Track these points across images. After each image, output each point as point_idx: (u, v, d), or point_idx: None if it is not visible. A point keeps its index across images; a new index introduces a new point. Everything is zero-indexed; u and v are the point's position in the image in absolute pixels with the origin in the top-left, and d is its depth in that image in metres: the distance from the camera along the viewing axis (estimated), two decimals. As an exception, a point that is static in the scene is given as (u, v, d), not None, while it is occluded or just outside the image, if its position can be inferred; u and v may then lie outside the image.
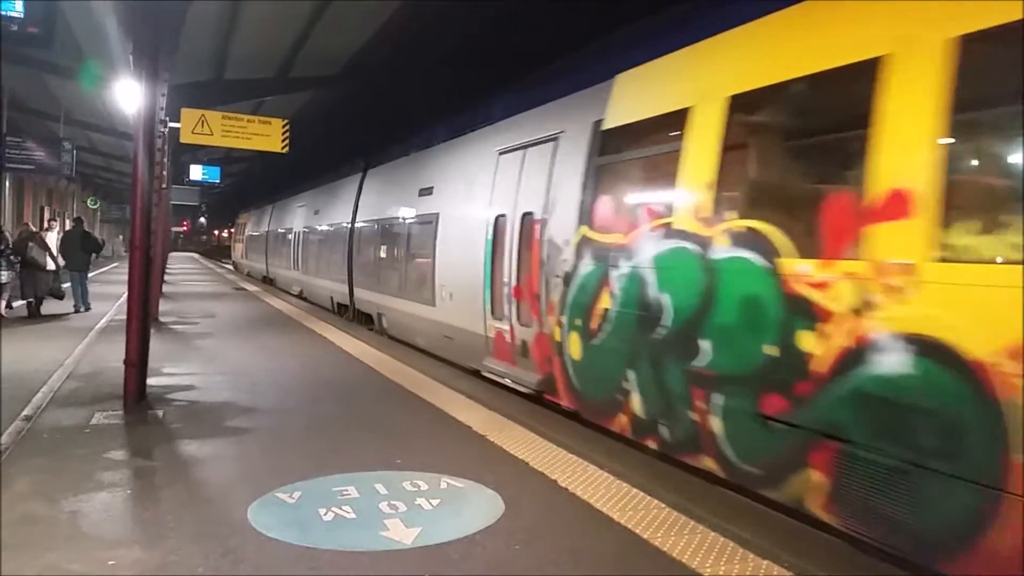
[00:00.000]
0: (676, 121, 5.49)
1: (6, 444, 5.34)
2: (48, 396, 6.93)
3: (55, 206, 33.91)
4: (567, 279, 6.78)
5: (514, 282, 7.90)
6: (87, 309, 14.26)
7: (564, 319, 6.82)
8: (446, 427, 6.24)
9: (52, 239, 14.43)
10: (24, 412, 6.26)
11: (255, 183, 41.39)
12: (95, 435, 5.70)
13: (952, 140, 3.63)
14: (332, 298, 17.49)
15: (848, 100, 4.40)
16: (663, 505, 4.37)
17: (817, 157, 4.92)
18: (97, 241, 16.42)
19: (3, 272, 12.61)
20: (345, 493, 4.48)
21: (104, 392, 7.10)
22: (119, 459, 5.14)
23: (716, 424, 4.96)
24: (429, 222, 10.70)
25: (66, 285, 14.38)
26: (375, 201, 14.51)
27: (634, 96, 6.37)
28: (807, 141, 5.02)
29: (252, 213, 36.12)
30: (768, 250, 4.55)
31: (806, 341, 4.23)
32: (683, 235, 5.32)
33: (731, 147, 5.08)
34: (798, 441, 4.32)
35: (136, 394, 6.72)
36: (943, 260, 3.57)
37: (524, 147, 8.01)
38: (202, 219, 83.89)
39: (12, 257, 12.92)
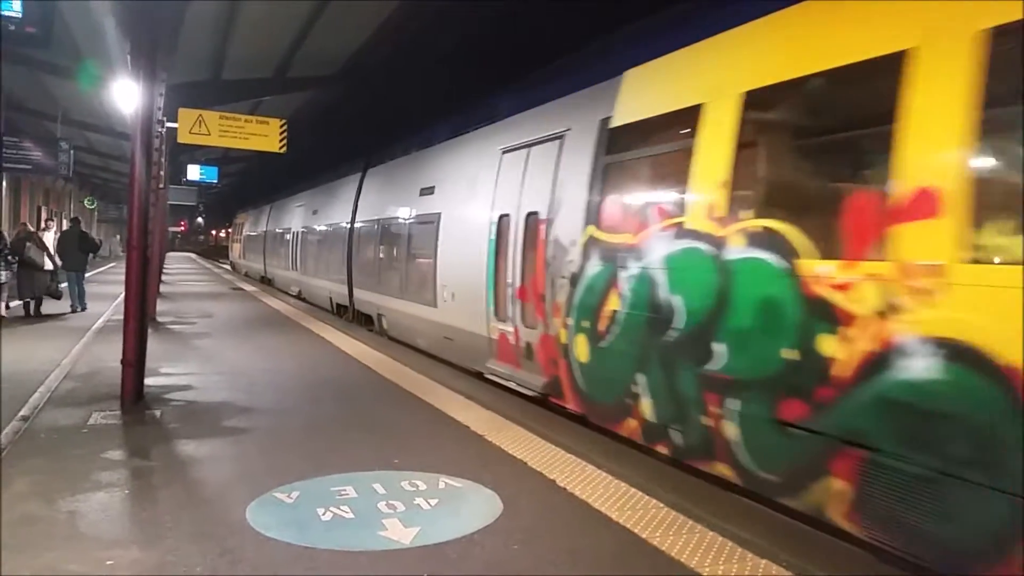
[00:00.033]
0: (688, 118, 5.37)
1: (4, 444, 5.33)
2: (45, 396, 6.92)
3: (52, 206, 33.87)
4: (574, 280, 6.66)
5: (518, 283, 7.79)
6: (83, 309, 14.24)
7: (571, 321, 6.69)
8: (444, 427, 6.23)
9: (49, 239, 14.40)
10: (22, 412, 6.24)
11: (253, 183, 41.33)
12: (93, 435, 5.69)
13: (983, 136, 3.51)
14: (331, 299, 17.44)
15: (872, 96, 4.27)
16: (661, 505, 4.37)
17: (838, 155, 4.79)
18: (94, 241, 16.40)
19: (2, 272, 12.59)
20: (343, 493, 4.47)
21: (101, 392, 7.09)
22: (117, 459, 5.13)
23: (731, 430, 4.84)
24: (430, 222, 10.61)
25: (63, 285, 14.36)
26: (375, 201, 14.44)
27: (644, 93, 6.23)
28: (827, 138, 4.86)
29: (250, 213, 36.06)
30: (786, 250, 4.44)
31: (827, 345, 4.11)
32: (696, 235, 5.20)
33: (746, 144, 4.96)
34: (819, 448, 4.20)
35: (133, 394, 6.71)
36: (974, 261, 3.45)
37: (528, 145, 7.91)
38: (200, 219, 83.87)
39: (10, 257, 12.90)
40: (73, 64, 13.71)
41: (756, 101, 4.91)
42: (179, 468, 4.99)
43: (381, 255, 13.63)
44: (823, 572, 3.58)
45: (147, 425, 6.10)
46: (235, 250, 41.72)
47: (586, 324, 6.45)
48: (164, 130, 12.57)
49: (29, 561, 3.44)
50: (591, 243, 6.47)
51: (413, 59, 14.90)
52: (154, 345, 8.27)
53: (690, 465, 5.35)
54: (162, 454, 5.31)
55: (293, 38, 13.30)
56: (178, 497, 4.41)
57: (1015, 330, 3.24)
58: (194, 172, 21.75)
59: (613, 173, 6.46)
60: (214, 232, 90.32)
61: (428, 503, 4.35)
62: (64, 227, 16.05)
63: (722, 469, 4.98)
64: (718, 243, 4.97)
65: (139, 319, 6.90)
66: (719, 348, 4.89)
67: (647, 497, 4.49)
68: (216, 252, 69.24)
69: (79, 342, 10.28)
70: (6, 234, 13.73)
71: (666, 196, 5.82)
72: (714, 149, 5.12)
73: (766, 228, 4.64)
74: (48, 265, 13.67)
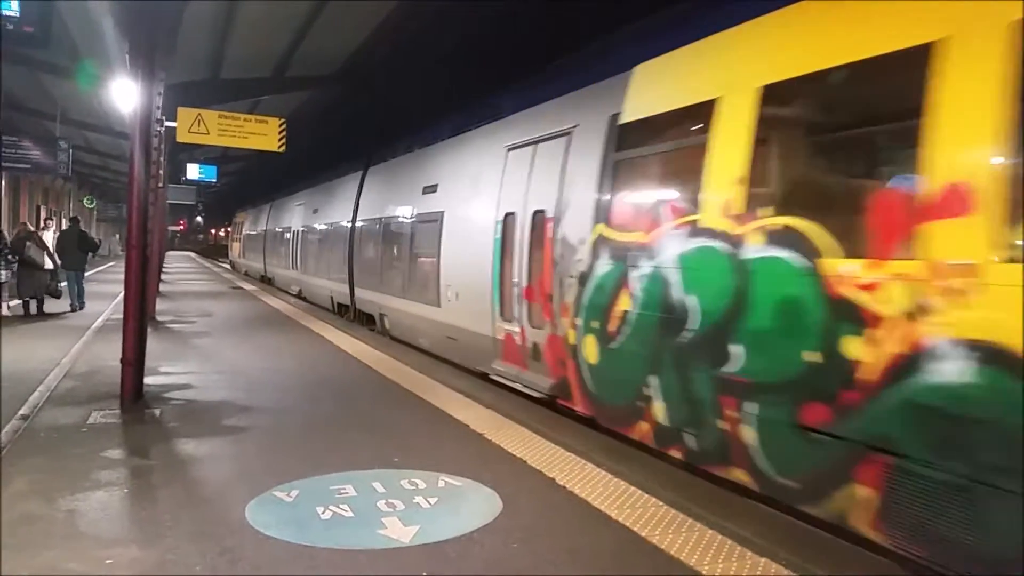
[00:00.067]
0: (702, 113, 5.24)
1: (3, 443, 5.33)
2: (45, 395, 6.92)
3: (51, 205, 33.88)
4: (583, 279, 6.52)
5: (525, 282, 7.65)
6: (81, 308, 14.24)
7: (579, 321, 6.55)
8: (444, 426, 6.23)
9: (48, 238, 14.40)
10: (21, 411, 6.24)
11: (252, 182, 41.36)
12: (92, 434, 5.69)
13: (1018, 130, 3.37)
14: (332, 298, 17.40)
15: (900, 89, 4.12)
16: (661, 503, 4.37)
17: (863, 151, 4.67)
18: (93, 240, 16.39)
19: (1, 272, 12.59)
20: (343, 492, 4.47)
21: (101, 391, 7.09)
22: (116, 458, 5.13)
23: (749, 434, 4.69)
24: (434, 220, 10.51)
25: (63, 284, 14.36)
26: (377, 199, 14.34)
27: (656, 87, 6.09)
28: (851, 133, 4.72)
29: (249, 212, 36.02)
30: (808, 249, 4.29)
31: (852, 347, 3.97)
32: (711, 233, 5.05)
33: (764, 140, 4.81)
34: (843, 454, 4.07)
35: (133, 393, 6.70)
36: (1010, 260, 3.31)
37: (535, 142, 7.78)
38: (199, 218, 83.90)
39: (10, 256, 12.90)
40: (72, 64, 13.72)
41: (775, 95, 4.76)
42: (178, 467, 4.99)
43: (383, 254, 13.54)
44: (823, 571, 3.58)
45: (147, 424, 6.10)
46: (235, 249, 41.69)
47: (596, 324, 6.31)
48: (163, 129, 12.57)
49: (28, 560, 3.44)
50: (601, 242, 6.34)
51: (413, 59, 14.90)
52: (154, 344, 8.27)
53: (705, 470, 5.21)
54: (161, 453, 5.30)
55: (292, 38, 13.31)
56: (177, 496, 4.41)
57: None
58: (193, 171, 21.77)
59: (623, 170, 6.33)
60: (213, 231, 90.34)
61: (427, 502, 4.35)
62: (63, 226, 16.04)
63: (739, 475, 4.85)
64: (735, 241, 4.83)
65: (139, 318, 6.90)
66: (737, 350, 4.75)
67: (647, 496, 4.49)
68: (215, 251, 69.25)
69: (79, 341, 10.28)
70: (6, 233, 13.74)
71: (679, 193, 5.68)
72: (730, 145, 4.98)
73: (786, 226, 4.49)
74: (48, 264, 13.67)
